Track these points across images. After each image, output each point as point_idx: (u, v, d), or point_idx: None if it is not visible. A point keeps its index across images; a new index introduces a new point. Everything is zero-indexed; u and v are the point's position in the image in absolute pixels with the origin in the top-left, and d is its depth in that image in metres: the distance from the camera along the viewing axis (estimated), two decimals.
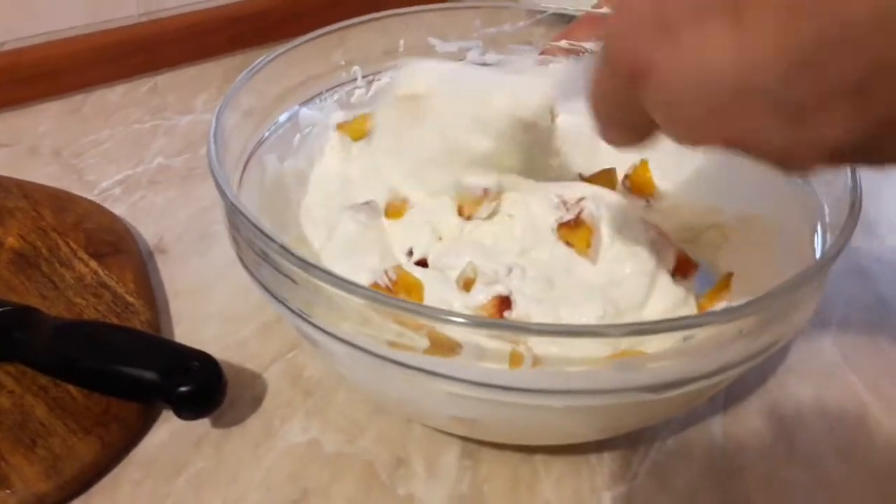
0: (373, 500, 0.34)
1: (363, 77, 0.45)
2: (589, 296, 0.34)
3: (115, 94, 0.62)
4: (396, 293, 0.33)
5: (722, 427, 0.38)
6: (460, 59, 0.46)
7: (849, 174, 0.34)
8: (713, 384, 0.30)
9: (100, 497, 0.34)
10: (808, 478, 0.36)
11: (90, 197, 0.50)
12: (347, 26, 0.44)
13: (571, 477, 0.36)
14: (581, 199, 0.36)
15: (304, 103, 0.43)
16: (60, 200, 0.48)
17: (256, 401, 0.38)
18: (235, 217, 0.31)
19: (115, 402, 0.36)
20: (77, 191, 0.50)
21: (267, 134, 0.41)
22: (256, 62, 0.40)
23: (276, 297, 0.31)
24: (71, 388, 0.36)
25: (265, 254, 0.30)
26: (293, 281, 0.29)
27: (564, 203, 0.36)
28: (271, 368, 0.40)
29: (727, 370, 0.29)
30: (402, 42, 0.46)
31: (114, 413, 0.35)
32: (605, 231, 0.36)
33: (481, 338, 0.27)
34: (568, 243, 0.36)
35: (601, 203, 0.37)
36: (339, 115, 0.44)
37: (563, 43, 0.43)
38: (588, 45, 0.42)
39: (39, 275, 0.42)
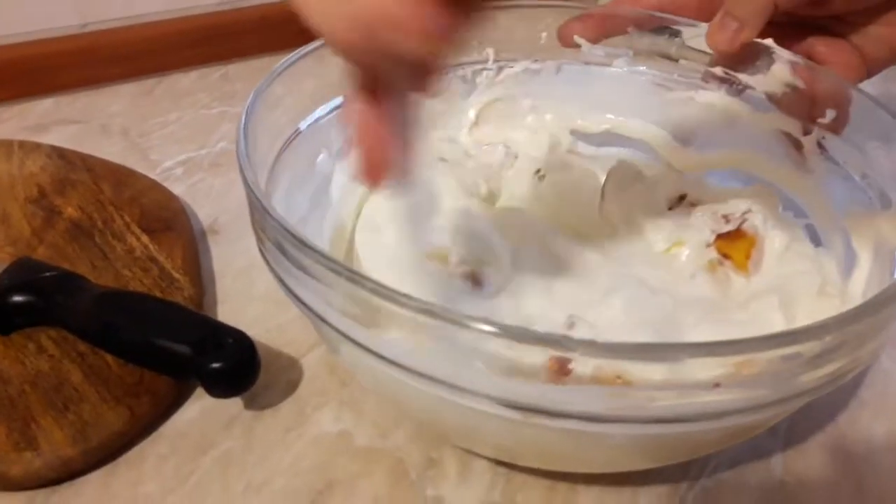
0: (399, 498, 0.33)
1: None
2: None
3: (187, 80, 0.63)
4: None
5: (782, 459, 0.35)
6: (606, 66, 0.44)
7: None
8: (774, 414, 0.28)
9: (125, 467, 0.33)
10: None
11: (152, 175, 0.50)
12: None
13: (613, 495, 0.33)
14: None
15: None
16: (121, 176, 0.48)
17: (291, 386, 0.37)
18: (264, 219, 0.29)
19: (149, 375, 0.35)
20: (140, 169, 0.50)
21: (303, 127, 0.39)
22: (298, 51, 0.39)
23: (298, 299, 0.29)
24: (108, 356, 0.36)
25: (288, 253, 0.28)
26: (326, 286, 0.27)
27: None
28: (309, 355, 0.39)
29: (789, 400, 0.26)
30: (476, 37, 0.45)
31: (146, 385, 0.35)
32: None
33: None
34: (725, 255, 0.34)
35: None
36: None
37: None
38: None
39: (92, 245, 0.42)
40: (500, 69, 0.44)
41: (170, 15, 0.63)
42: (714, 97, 0.40)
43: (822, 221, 0.38)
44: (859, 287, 0.33)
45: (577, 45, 0.42)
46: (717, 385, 0.24)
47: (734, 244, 0.36)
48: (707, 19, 0.38)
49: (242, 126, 0.32)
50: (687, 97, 0.41)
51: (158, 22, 0.62)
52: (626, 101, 0.43)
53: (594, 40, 0.42)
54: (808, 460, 0.35)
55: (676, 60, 0.42)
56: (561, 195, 0.40)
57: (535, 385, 0.25)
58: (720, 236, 0.36)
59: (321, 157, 0.39)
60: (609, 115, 0.43)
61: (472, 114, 0.43)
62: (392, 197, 0.38)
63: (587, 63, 0.43)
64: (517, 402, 0.25)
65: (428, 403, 0.29)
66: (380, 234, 0.37)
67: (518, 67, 0.44)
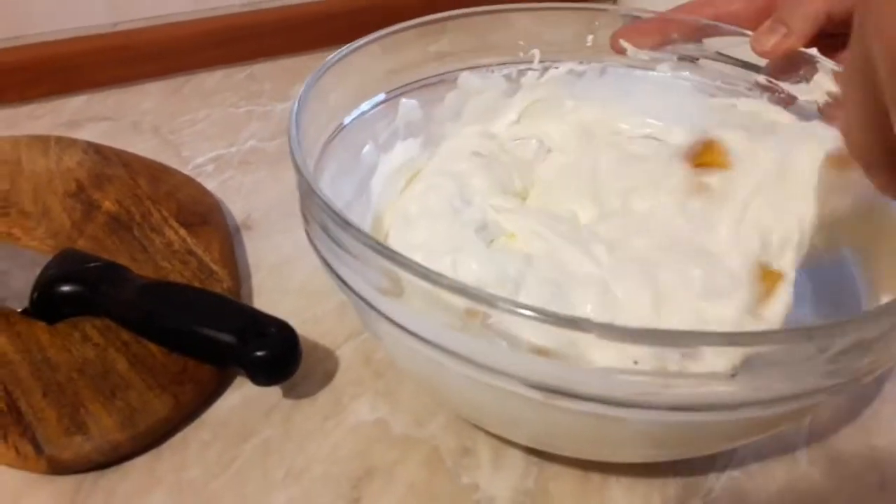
0: (436, 485, 0.34)
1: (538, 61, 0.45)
2: None
3: (213, 79, 0.64)
4: None
5: (807, 452, 0.36)
6: (650, 70, 0.44)
7: None
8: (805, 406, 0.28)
9: (170, 452, 0.35)
10: None
11: (184, 171, 0.51)
12: (447, 18, 0.44)
13: (643, 485, 0.34)
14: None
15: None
16: (156, 171, 0.49)
17: (328, 376, 0.38)
18: (310, 199, 0.30)
19: (192, 364, 0.36)
20: (173, 165, 0.51)
21: (347, 121, 0.40)
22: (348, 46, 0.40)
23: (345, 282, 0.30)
24: (152, 345, 0.37)
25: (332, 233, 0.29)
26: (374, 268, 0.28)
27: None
28: (345, 346, 0.40)
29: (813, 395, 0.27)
30: (503, 38, 0.46)
31: (190, 373, 0.36)
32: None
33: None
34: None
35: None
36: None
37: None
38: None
39: (131, 238, 0.44)
40: (545, 70, 0.45)
41: (197, 15, 0.64)
42: (756, 105, 0.41)
43: None
44: None
45: (625, 52, 0.43)
46: (733, 375, 0.25)
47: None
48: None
49: (295, 113, 0.33)
50: (729, 104, 0.42)
51: (186, 22, 0.64)
52: (667, 106, 0.43)
53: (649, 47, 0.43)
54: (831, 453, 0.36)
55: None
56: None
57: (556, 366, 0.25)
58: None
59: (367, 148, 0.40)
60: (650, 120, 0.44)
61: (513, 113, 0.44)
62: (426, 192, 0.40)
63: (631, 66, 0.44)
64: (539, 383, 0.26)
65: (458, 383, 0.30)
66: (412, 229, 0.38)
67: (563, 69, 0.45)
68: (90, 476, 0.33)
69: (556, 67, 0.45)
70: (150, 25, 0.63)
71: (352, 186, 0.39)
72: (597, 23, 0.44)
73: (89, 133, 0.56)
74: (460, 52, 0.44)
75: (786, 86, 0.40)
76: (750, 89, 0.42)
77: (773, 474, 0.35)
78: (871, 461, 0.36)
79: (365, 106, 0.40)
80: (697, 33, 0.43)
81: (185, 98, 0.61)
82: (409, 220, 0.39)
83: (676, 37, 0.43)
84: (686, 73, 0.44)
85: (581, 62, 0.45)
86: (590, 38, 0.45)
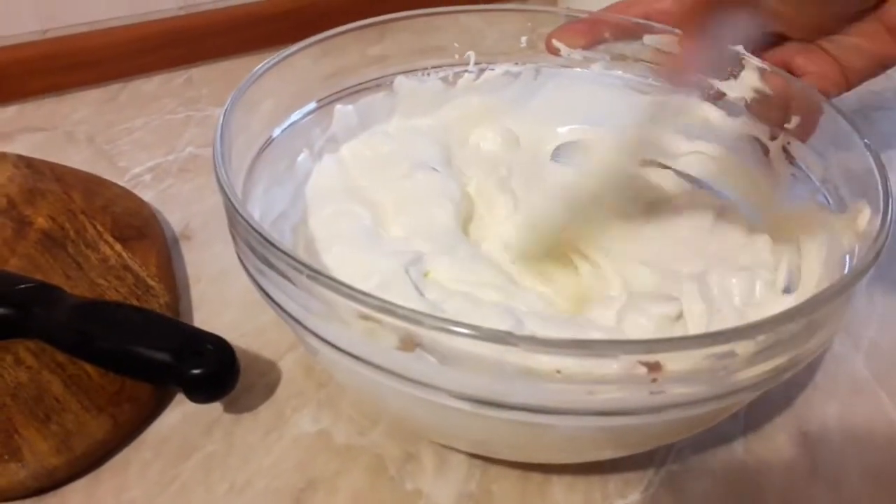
0: (379, 493, 0.34)
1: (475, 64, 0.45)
2: None
3: (151, 85, 0.63)
4: None
5: (743, 442, 0.37)
6: (585, 69, 0.45)
7: (881, 190, 0.32)
8: (729, 405, 0.29)
9: (109, 475, 0.34)
10: (831, 497, 0.35)
11: (121, 182, 0.50)
12: (385, 21, 0.44)
13: (583, 482, 0.35)
14: None
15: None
16: (91, 184, 0.48)
17: (270, 389, 0.38)
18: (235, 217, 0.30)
19: (130, 383, 0.36)
20: (108, 176, 0.50)
21: (278, 132, 0.40)
22: (276, 55, 0.39)
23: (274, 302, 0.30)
24: (87, 366, 0.36)
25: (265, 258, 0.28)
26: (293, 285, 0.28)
27: None
28: (286, 357, 0.40)
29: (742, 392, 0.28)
30: (445, 39, 0.46)
31: (127, 393, 0.36)
32: None
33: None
34: None
35: None
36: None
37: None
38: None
39: (65, 255, 0.43)
40: (480, 72, 0.45)
41: (131, 20, 0.63)
42: (687, 102, 0.41)
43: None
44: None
45: (559, 52, 0.43)
46: (654, 380, 0.25)
47: None
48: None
49: (220, 128, 0.33)
50: (661, 101, 0.43)
51: (120, 27, 0.62)
52: (600, 105, 0.44)
53: (582, 47, 0.43)
54: (767, 442, 0.37)
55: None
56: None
57: (482, 377, 0.26)
58: None
59: (302, 156, 0.40)
60: (583, 126, 0.45)
61: (442, 120, 0.44)
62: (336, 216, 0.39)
63: (565, 66, 0.45)
64: (466, 394, 0.26)
65: (392, 398, 0.30)
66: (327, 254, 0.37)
67: (498, 70, 0.45)
68: (26, 503, 0.33)
69: (492, 69, 0.45)
70: (83, 32, 0.61)
71: (286, 195, 0.39)
72: (529, 24, 0.45)
73: (21, 146, 0.54)
74: (399, 54, 0.44)
75: (715, 82, 0.41)
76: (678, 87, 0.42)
77: (710, 465, 0.36)
78: (803, 448, 0.37)
79: (296, 115, 0.39)
80: (629, 32, 0.44)
81: (121, 106, 0.60)
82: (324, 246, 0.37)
83: (608, 36, 0.44)
84: (618, 72, 0.44)
85: (516, 63, 0.45)
86: (523, 39, 0.45)
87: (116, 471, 0.34)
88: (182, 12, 0.64)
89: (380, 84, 0.44)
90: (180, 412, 0.37)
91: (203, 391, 0.34)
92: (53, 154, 0.52)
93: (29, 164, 0.49)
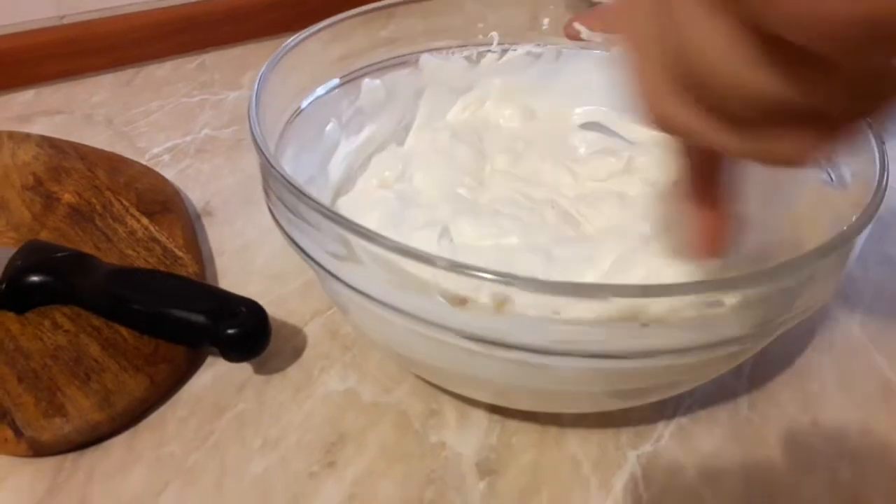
0: (406, 446, 0.36)
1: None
2: None
3: (164, 70, 0.64)
4: None
5: (747, 398, 0.39)
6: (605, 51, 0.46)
7: (877, 156, 0.34)
8: (738, 350, 0.31)
9: (148, 430, 0.36)
10: (831, 448, 0.37)
11: (141, 162, 0.52)
12: (395, 4, 0.46)
13: (598, 434, 0.37)
14: None
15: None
16: (114, 162, 0.50)
17: (297, 352, 0.40)
18: (269, 174, 0.31)
19: (163, 345, 0.37)
20: (129, 156, 0.52)
21: (306, 104, 0.41)
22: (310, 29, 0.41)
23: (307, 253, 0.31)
24: (122, 329, 0.38)
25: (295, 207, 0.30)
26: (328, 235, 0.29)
27: None
28: (311, 324, 0.41)
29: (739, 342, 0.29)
30: (446, 22, 0.48)
31: (162, 355, 0.37)
32: None
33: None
34: None
35: None
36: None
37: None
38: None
39: (94, 228, 0.44)
40: (503, 52, 0.47)
41: (145, 6, 0.64)
42: None
43: None
44: None
45: (579, 35, 0.45)
46: (644, 325, 0.27)
47: None
48: None
49: (255, 93, 0.34)
50: None
51: (134, 14, 0.64)
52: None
53: (603, 31, 0.45)
54: (769, 398, 0.39)
55: None
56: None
57: (483, 317, 0.27)
58: None
59: (330, 126, 0.42)
60: (600, 108, 0.47)
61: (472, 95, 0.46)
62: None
63: (585, 49, 0.46)
64: (469, 333, 0.28)
65: (409, 341, 0.32)
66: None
67: (521, 51, 0.47)
68: (70, 456, 0.35)
69: (515, 50, 0.47)
70: (98, 18, 0.63)
71: (314, 163, 0.41)
72: (552, 6, 0.46)
73: (41, 127, 0.56)
74: (410, 36, 0.46)
75: None
76: None
77: (717, 419, 0.38)
78: (804, 403, 0.39)
79: (321, 90, 0.41)
80: None
81: (136, 90, 0.62)
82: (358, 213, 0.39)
83: None
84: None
85: (538, 45, 0.47)
86: (546, 20, 0.47)
87: (154, 427, 0.36)
88: (193, 0, 0.66)
89: (404, 61, 0.46)
90: (212, 374, 0.39)
91: (239, 350, 0.36)
92: (73, 135, 0.53)
93: (52, 144, 0.51)
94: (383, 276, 0.28)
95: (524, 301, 0.26)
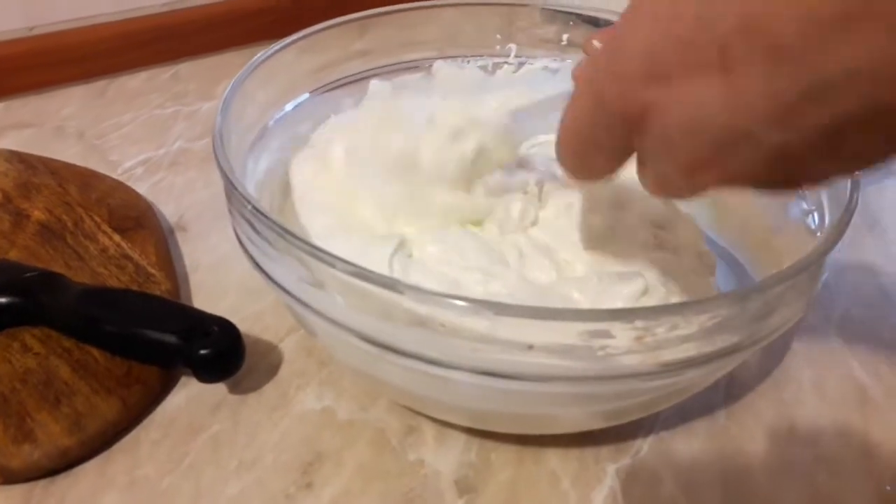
0: (384, 464, 0.35)
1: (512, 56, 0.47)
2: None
3: (137, 80, 0.64)
4: None
5: (724, 407, 0.39)
6: None
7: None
8: (708, 372, 0.30)
9: (121, 454, 0.35)
10: (808, 454, 0.37)
11: (114, 176, 0.51)
12: (368, 17, 0.46)
13: (576, 449, 0.37)
14: None
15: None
16: (85, 177, 0.49)
17: (272, 370, 0.39)
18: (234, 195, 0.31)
19: (136, 366, 0.37)
20: (101, 170, 0.51)
21: (272, 123, 0.41)
22: (277, 44, 0.41)
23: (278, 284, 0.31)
24: (94, 350, 0.37)
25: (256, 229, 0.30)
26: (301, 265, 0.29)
27: None
28: (287, 340, 0.41)
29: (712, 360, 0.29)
30: (425, 33, 0.47)
31: (135, 375, 0.37)
32: None
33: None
34: None
35: None
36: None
37: None
38: None
39: (65, 246, 0.43)
40: (520, 65, 0.46)
41: (117, 16, 0.63)
42: None
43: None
44: None
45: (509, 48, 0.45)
46: (530, 347, 0.27)
47: None
48: None
49: (220, 116, 0.34)
50: None
51: (106, 24, 0.63)
52: None
53: None
54: (747, 407, 0.39)
55: None
56: None
57: (386, 325, 0.28)
58: None
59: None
60: None
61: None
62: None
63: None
64: (372, 338, 0.28)
65: (375, 364, 0.32)
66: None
67: (538, 65, 0.46)
68: (41, 483, 0.34)
69: (532, 63, 0.46)
70: (69, 28, 0.62)
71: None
72: (423, 19, 0.47)
73: (10, 141, 0.55)
74: (381, 48, 0.46)
75: None
76: None
77: (695, 430, 0.38)
78: (780, 411, 0.39)
79: (289, 107, 0.41)
80: None
81: (108, 101, 0.61)
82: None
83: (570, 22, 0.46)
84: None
85: (555, 59, 0.47)
86: (565, 36, 0.47)
87: (127, 450, 0.35)
88: (166, 9, 0.65)
89: (418, 66, 0.46)
90: (186, 394, 0.38)
91: (212, 371, 0.35)
92: (44, 149, 0.53)
93: (22, 159, 0.50)
94: (344, 299, 0.28)
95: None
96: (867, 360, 0.42)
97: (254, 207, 0.29)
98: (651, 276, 0.34)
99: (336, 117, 0.43)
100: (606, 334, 0.26)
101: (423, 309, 0.26)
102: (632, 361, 0.27)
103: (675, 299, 0.33)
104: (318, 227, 0.36)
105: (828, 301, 0.46)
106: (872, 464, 0.37)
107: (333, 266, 0.27)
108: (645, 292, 0.34)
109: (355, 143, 0.38)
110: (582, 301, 0.34)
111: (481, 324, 0.26)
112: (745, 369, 0.41)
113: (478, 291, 0.32)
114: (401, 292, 0.26)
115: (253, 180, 0.39)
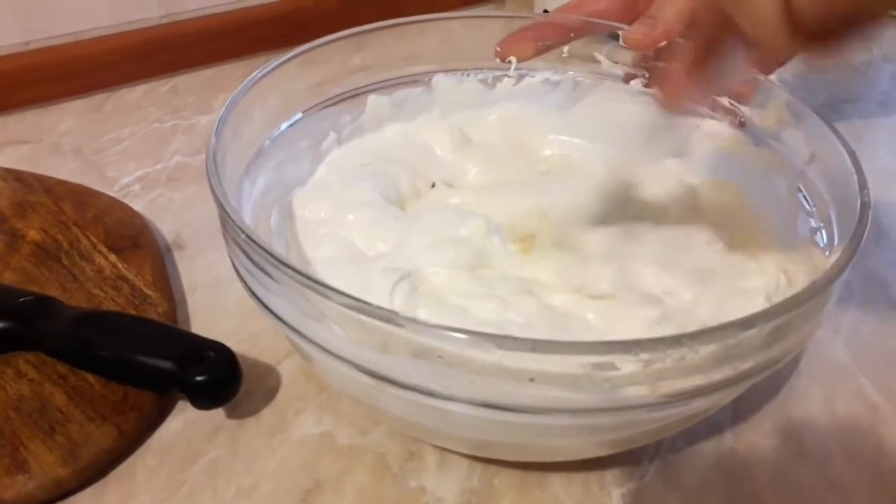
0: (384, 491, 0.35)
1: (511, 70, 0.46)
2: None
3: (135, 94, 0.63)
4: None
5: (732, 428, 0.38)
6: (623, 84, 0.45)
7: (857, 184, 0.33)
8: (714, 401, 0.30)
9: (116, 483, 0.35)
10: (818, 479, 0.36)
11: (110, 193, 0.51)
12: (367, 31, 0.45)
13: (581, 474, 0.36)
14: None
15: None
16: (81, 195, 0.48)
17: (271, 393, 0.39)
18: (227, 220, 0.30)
19: (132, 392, 0.36)
20: (97, 187, 0.51)
21: (268, 142, 0.40)
22: (271, 63, 0.40)
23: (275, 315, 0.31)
24: (89, 376, 0.37)
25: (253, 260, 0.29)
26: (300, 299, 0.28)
27: None
28: (285, 362, 0.40)
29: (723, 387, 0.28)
30: (425, 47, 0.47)
31: (131, 402, 0.36)
32: None
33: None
34: None
35: None
36: None
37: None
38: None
39: (60, 267, 0.43)
40: (520, 77, 0.46)
41: (114, 30, 0.63)
42: (718, 127, 0.42)
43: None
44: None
45: (509, 61, 0.44)
46: (531, 380, 0.26)
47: None
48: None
49: (214, 136, 0.34)
50: (693, 125, 0.43)
51: (102, 37, 0.62)
52: (633, 126, 0.43)
53: (531, 56, 0.44)
54: (755, 429, 0.38)
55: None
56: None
57: (384, 357, 0.27)
58: None
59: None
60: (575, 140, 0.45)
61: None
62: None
63: (602, 76, 0.45)
64: (371, 370, 0.28)
65: (374, 395, 0.31)
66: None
67: (538, 78, 0.46)
68: None
69: (532, 76, 0.46)
70: (65, 42, 0.61)
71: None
72: (424, 31, 0.46)
73: (6, 158, 0.54)
74: (381, 64, 0.45)
75: (745, 109, 0.41)
76: (714, 111, 0.43)
77: (702, 453, 0.37)
78: (789, 432, 0.38)
79: (285, 125, 0.40)
80: (573, 33, 0.45)
81: (106, 116, 0.60)
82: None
83: (551, 42, 0.45)
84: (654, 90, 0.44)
85: (556, 72, 0.46)
86: (565, 49, 0.46)
87: (123, 479, 0.35)
88: (164, 21, 0.64)
89: (417, 80, 0.45)
90: (183, 419, 0.37)
91: (207, 397, 0.35)
92: (40, 166, 0.52)
93: (17, 177, 0.49)
94: (342, 330, 0.27)
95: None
96: (878, 378, 0.41)
97: (248, 237, 0.28)
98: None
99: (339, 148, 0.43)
100: (610, 366, 0.25)
101: (421, 341, 0.26)
102: (638, 392, 0.26)
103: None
104: (321, 255, 0.36)
105: (836, 316, 0.45)
106: (884, 488, 0.36)
107: (329, 298, 0.26)
108: (663, 318, 0.33)
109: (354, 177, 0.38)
110: (595, 323, 0.34)
111: (481, 355, 0.25)
112: (753, 389, 0.39)
113: (487, 319, 0.32)
114: (400, 325, 0.25)
115: (250, 201, 0.38)
